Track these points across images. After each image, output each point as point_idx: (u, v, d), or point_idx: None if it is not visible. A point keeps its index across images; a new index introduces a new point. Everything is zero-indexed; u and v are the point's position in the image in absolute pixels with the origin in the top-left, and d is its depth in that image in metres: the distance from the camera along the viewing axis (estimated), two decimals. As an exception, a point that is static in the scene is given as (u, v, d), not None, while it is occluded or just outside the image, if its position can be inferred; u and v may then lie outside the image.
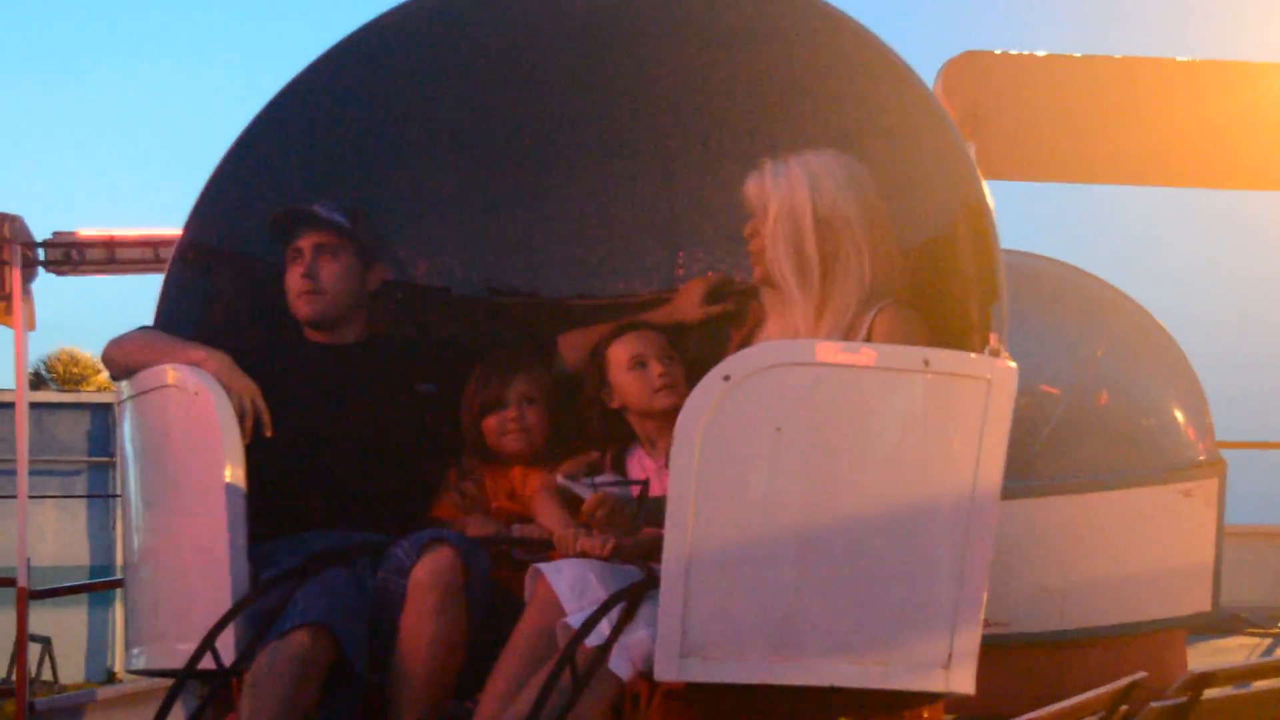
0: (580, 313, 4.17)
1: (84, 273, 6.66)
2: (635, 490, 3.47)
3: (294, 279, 3.79)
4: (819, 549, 3.04)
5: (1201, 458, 4.78)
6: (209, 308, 3.86)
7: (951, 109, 5.75)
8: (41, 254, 6.48)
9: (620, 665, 3.05)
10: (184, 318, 3.77)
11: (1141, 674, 3.69)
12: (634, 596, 3.09)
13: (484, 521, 3.67)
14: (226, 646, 3.19)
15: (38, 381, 19.68)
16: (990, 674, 3.27)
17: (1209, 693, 3.91)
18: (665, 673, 3.00)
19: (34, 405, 13.05)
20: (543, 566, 3.25)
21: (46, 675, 11.62)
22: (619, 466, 3.65)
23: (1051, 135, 6.78)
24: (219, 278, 3.89)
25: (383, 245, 4.00)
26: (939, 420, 3.15)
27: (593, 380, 3.72)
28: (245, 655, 3.19)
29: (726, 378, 3.03)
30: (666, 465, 3.08)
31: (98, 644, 13.21)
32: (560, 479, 3.58)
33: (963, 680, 3.16)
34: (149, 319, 3.75)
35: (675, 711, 3.07)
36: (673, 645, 2.98)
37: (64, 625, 12.13)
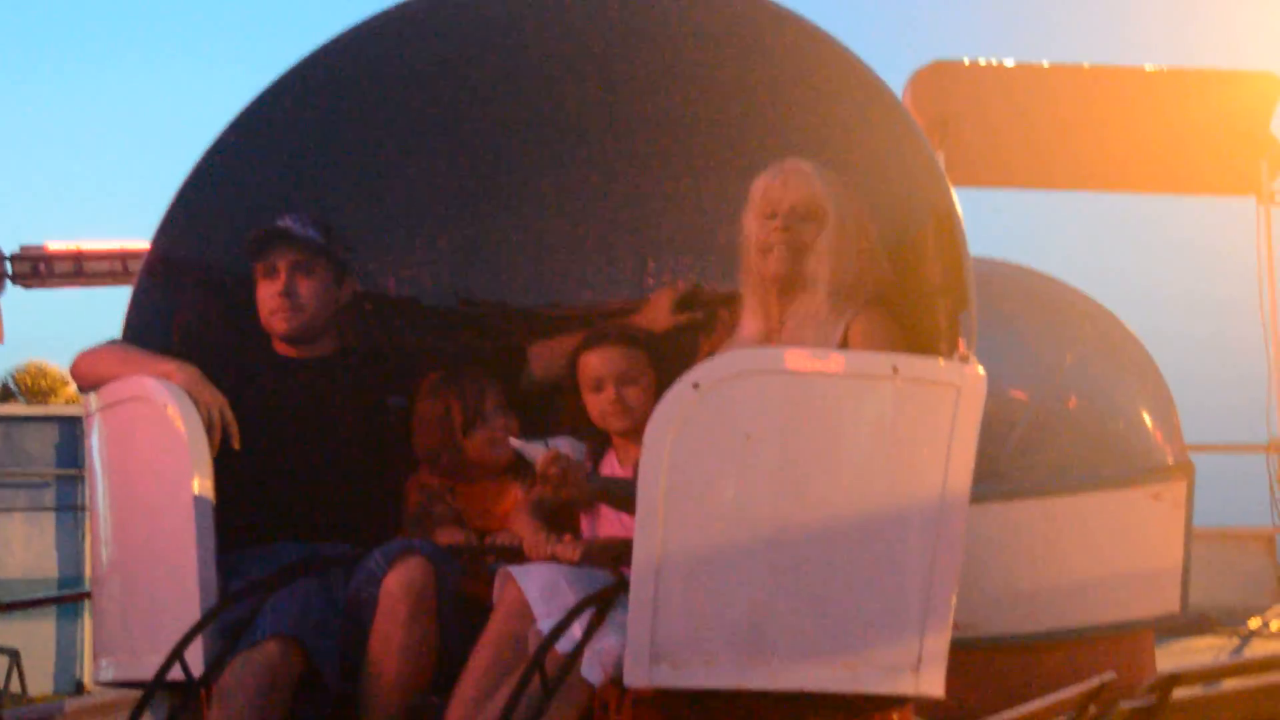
0: (549, 323, 4.17)
1: (52, 285, 6.64)
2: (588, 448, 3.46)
3: (270, 296, 3.77)
4: (788, 555, 3.05)
5: (1170, 461, 4.80)
6: (177, 320, 3.85)
7: (920, 118, 5.80)
8: (9, 267, 6.46)
9: (592, 671, 3.05)
10: (152, 330, 3.75)
11: (1111, 675, 3.72)
12: (604, 601, 3.10)
13: (455, 530, 3.67)
14: (196, 658, 3.17)
15: (5, 394, 19.52)
16: (960, 676, 3.28)
17: (1178, 693, 3.94)
18: (635, 679, 3.01)
19: (2, 418, 13.00)
20: (513, 569, 3.25)
21: (15, 687, 11.53)
22: (595, 464, 3.65)
23: (1019, 143, 6.83)
24: (187, 290, 3.88)
25: (353, 258, 3.99)
26: (908, 426, 3.16)
27: (572, 387, 3.71)
28: (215, 666, 3.18)
29: (696, 385, 3.04)
30: (635, 474, 3.08)
31: (66, 655, 13.13)
32: (514, 441, 3.54)
33: (932, 683, 3.17)
34: (117, 332, 3.74)
35: (645, 717, 3.07)
36: (642, 651, 2.99)
37: (32, 637, 12.04)
